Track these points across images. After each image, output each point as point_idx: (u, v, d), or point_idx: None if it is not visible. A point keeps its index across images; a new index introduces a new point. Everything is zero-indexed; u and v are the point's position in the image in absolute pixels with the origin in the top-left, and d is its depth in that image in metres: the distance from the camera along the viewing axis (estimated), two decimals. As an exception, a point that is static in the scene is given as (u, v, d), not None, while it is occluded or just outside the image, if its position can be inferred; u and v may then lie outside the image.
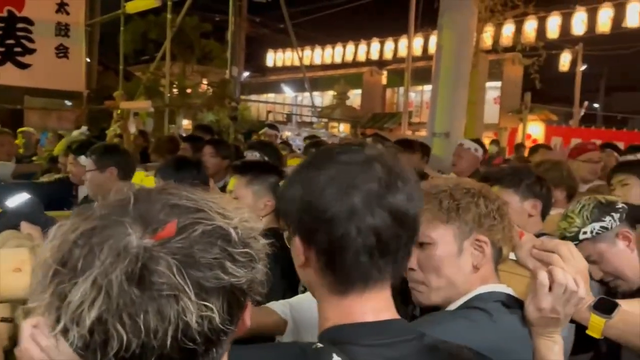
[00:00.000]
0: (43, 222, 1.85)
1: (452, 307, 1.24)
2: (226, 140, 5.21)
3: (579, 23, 10.31)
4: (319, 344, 0.86)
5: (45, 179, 4.00)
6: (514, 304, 1.20)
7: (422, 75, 12.23)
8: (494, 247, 1.26)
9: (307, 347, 0.86)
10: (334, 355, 0.82)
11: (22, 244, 1.62)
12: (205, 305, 0.60)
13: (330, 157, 0.90)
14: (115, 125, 6.42)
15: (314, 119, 17.31)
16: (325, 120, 16.55)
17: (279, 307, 1.68)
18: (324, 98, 22.80)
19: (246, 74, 24.54)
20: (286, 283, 1.80)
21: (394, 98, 22.69)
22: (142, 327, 0.58)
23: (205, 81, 16.95)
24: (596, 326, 1.27)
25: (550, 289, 1.07)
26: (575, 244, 1.58)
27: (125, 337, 0.58)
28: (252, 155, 3.65)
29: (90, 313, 0.58)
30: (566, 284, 1.05)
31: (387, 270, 0.88)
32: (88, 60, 12.32)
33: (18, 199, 1.99)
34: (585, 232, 1.71)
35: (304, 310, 1.63)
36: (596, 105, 27.52)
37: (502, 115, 16.85)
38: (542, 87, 10.24)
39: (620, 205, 1.76)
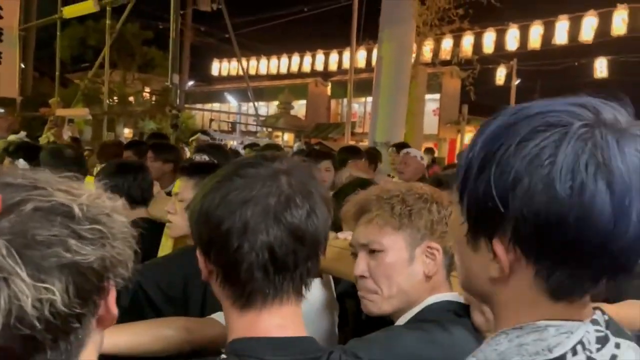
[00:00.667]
0: None
1: (403, 320, 1.21)
2: (169, 143, 5.06)
3: (512, 39, 10.80)
4: (223, 355, 0.86)
5: None
6: (466, 313, 1.18)
7: (366, 87, 12.43)
8: (446, 254, 1.22)
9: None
10: None
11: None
12: (45, 287, 0.54)
13: (237, 170, 0.88)
14: (48, 133, 6.21)
15: (259, 128, 17.27)
16: (269, 129, 16.54)
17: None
18: (270, 108, 22.80)
19: (191, 82, 24.24)
20: None
21: (339, 108, 22.96)
22: None
23: (147, 89, 16.60)
24: None
25: None
26: None
27: None
28: (201, 158, 3.60)
29: None
30: None
31: (285, 286, 0.86)
32: (22, 65, 11.86)
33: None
34: None
35: None
36: (531, 117, 28.72)
37: (441, 126, 17.38)
38: (480, 100, 10.61)
39: None
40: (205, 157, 3.54)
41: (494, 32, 10.93)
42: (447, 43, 10.74)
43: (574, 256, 0.59)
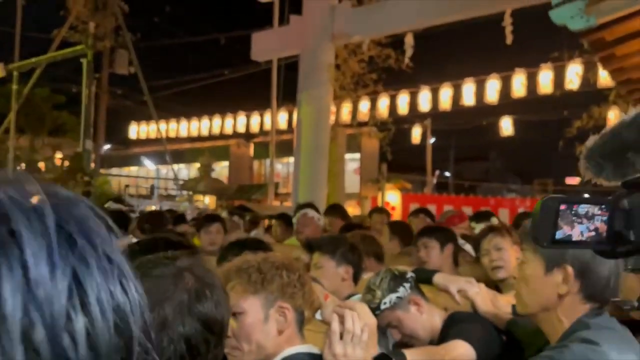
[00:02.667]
0: None
1: None
2: None
3: (424, 101, 11.35)
4: None
5: None
6: None
7: (288, 148, 12.54)
8: (296, 311, 1.43)
9: None
10: None
11: None
12: None
13: (143, 271, 0.95)
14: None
15: (178, 192, 16.84)
16: (190, 192, 16.16)
17: None
18: (191, 170, 22.42)
19: (107, 146, 23.49)
20: None
21: (262, 169, 22.96)
22: None
23: (59, 155, 15.87)
24: None
25: (341, 337, 1.28)
26: (379, 313, 1.90)
27: None
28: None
29: None
30: (353, 331, 1.27)
31: None
32: None
33: None
34: (385, 303, 1.96)
35: None
36: (448, 173, 30.10)
37: (363, 185, 17.72)
38: (398, 158, 10.96)
39: (409, 275, 2.06)
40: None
41: (407, 94, 11.45)
42: (364, 105, 11.12)
43: None
